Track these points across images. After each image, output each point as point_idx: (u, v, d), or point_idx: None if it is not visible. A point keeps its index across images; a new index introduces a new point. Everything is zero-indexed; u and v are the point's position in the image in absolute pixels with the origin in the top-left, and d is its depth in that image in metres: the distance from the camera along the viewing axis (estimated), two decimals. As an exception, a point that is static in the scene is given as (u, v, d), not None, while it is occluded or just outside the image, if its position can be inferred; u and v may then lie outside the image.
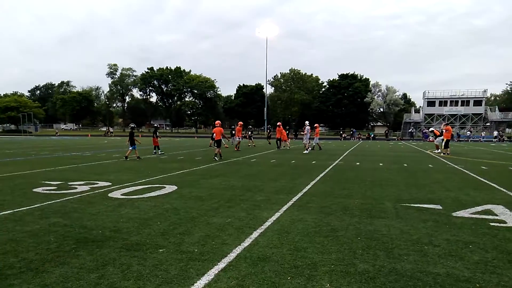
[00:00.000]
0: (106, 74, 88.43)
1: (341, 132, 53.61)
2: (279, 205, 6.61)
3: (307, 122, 21.78)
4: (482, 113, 66.34)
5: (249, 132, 29.77)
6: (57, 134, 60.72)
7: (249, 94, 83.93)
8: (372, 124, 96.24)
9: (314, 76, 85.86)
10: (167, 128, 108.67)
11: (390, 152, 22.03)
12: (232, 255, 4.05)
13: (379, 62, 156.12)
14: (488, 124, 64.57)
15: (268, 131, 36.67)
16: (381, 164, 14.44)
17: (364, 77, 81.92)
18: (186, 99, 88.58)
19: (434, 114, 69.53)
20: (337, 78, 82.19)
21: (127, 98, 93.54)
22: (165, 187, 8.51)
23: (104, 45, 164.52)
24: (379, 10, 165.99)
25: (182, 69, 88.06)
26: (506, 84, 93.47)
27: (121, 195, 7.61)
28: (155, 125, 22.07)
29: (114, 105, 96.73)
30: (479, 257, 3.95)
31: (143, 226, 5.23)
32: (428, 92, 71.65)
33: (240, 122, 25.03)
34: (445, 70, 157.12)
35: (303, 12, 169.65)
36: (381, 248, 4.26)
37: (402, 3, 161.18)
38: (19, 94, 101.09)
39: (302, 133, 21.81)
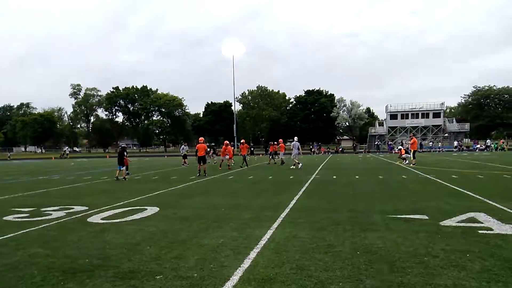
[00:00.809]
0: (69, 95, 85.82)
1: (311, 147, 54.37)
2: (269, 222, 6.51)
3: (295, 138, 21.81)
4: (441, 125, 69.58)
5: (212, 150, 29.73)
6: (10, 158, 57.54)
7: (218, 112, 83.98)
8: (338, 138, 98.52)
9: (281, 92, 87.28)
10: (134, 147, 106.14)
11: (362, 165, 22.53)
12: (234, 278, 3.90)
13: (341, 78, 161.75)
14: (447, 135, 67.82)
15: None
16: (357, 176, 14.70)
17: (329, 93, 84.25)
18: (154, 118, 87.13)
19: (397, 126, 72.18)
20: (303, 94, 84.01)
21: (92, 119, 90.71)
22: (146, 209, 8.19)
23: (65, 65, 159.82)
24: (338, 28, 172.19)
25: (148, 88, 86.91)
26: (461, 96, 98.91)
27: (101, 219, 7.24)
28: (123, 145, 21.24)
29: (79, 126, 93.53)
30: (479, 266, 4.02)
31: (132, 252, 4.96)
32: (390, 106, 74.45)
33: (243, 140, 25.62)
34: (403, 84, 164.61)
35: (267, 30, 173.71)
36: (383, 262, 4.25)
37: (359, 22, 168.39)
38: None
39: (290, 148, 21.64)
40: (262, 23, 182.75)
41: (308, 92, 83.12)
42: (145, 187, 12.83)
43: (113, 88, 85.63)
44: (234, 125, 76.00)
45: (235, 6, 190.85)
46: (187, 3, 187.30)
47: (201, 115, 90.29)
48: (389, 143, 55.04)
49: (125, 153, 17.97)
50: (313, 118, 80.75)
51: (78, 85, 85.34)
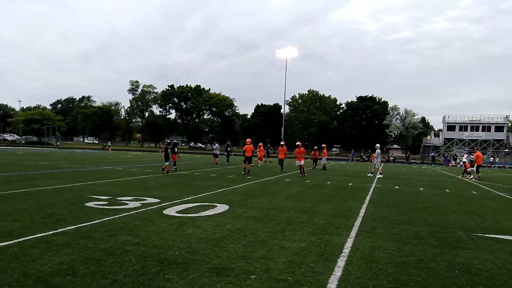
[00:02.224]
0: (128, 90, 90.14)
1: (361, 154, 52.92)
2: (346, 230, 6.35)
3: (378, 145, 20.42)
4: (503, 139, 64.97)
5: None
6: (109, 147, 61.05)
7: (267, 114, 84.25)
8: (387, 146, 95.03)
9: (332, 97, 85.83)
10: (183, 144, 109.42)
11: (422, 176, 21.50)
12: (332, 286, 3.81)
13: (394, 86, 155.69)
14: (509, 150, 63.10)
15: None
16: (421, 188, 14.02)
17: (382, 100, 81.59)
18: (205, 116, 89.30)
19: (454, 138, 68.45)
20: (355, 100, 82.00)
21: (147, 114, 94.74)
22: (216, 206, 8.33)
23: (123, 62, 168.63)
24: (393, 35, 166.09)
25: (201, 87, 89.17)
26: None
27: (176, 212, 7.45)
28: (174, 141, 21.91)
29: (134, 120, 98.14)
30: None
31: (218, 248, 5.04)
32: (448, 117, 70.78)
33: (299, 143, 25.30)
34: (459, 95, 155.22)
35: (319, 35, 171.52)
36: (489, 285, 3.96)
37: (416, 29, 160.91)
38: (42, 107, 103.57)
39: (374, 156, 20.41)
40: (315, 28, 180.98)
41: (360, 98, 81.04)
42: (206, 183, 13.09)
43: (168, 86, 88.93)
44: (283, 128, 76.03)
45: (288, 11, 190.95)
46: (241, 8, 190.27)
47: (249, 116, 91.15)
48: (446, 155, 52.13)
49: (175, 149, 18.47)
50: (364, 124, 78.57)
51: (137, 81, 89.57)
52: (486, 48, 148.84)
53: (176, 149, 18.63)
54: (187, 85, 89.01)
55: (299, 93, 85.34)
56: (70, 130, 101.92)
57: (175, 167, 18.31)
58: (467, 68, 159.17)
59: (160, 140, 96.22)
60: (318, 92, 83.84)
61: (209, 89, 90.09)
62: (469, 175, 21.11)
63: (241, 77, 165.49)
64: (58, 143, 67.78)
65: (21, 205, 7.62)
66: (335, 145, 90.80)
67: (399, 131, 78.30)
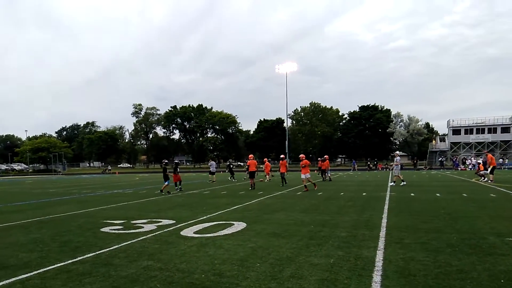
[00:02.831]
0: (131, 114, 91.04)
1: (368, 163, 52.52)
2: (372, 242, 6.12)
3: (397, 152, 19.72)
4: (510, 140, 64.43)
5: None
6: (109, 171, 61.03)
7: (270, 128, 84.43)
8: (391, 154, 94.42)
9: (334, 108, 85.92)
10: (187, 163, 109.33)
11: (435, 182, 21.16)
12: (373, 302, 3.59)
13: (394, 93, 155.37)
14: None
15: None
16: (438, 194, 13.73)
17: (385, 108, 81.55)
18: (208, 135, 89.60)
19: (460, 142, 68.05)
20: (357, 110, 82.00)
21: (151, 136, 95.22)
22: (233, 224, 8.13)
23: (125, 86, 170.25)
24: (390, 44, 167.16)
25: (204, 106, 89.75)
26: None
27: (194, 233, 7.26)
28: (176, 161, 22.06)
29: (139, 142, 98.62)
30: None
31: (244, 269, 4.82)
32: (453, 121, 70.53)
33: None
34: (460, 99, 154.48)
35: (316, 48, 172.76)
36: (540, 292, 3.72)
37: (413, 36, 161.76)
38: (47, 135, 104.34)
39: (394, 164, 19.89)
40: (312, 41, 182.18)
41: (362, 108, 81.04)
42: (218, 201, 12.89)
43: (171, 107, 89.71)
44: (286, 142, 75.94)
45: (285, 26, 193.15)
46: (238, 25, 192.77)
47: (252, 132, 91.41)
48: (455, 159, 51.63)
49: (177, 169, 18.25)
50: (367, 133, 78.31)
51: (140, 104, 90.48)
52: (484, 50, 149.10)
53: (178, 169, 18.42)
54: (189, 105, 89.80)
55: (301, 106, 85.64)
56: (76, 156, 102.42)
57: (180, 187, 18.10)
58: (466, 72, 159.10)
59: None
60: (320, 104, 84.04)
61: (211, 107, 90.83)
62: (482, 178, 20.74)
63: (241, 94, 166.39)
64: (62, 170, 68.13)
65: (37, 234, 7.46)
66: (339, 156, 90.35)
67: (403, 138, 77.96)
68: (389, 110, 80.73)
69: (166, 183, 16.84)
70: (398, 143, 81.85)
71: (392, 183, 18.79)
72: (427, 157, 69.49)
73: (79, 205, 12.72)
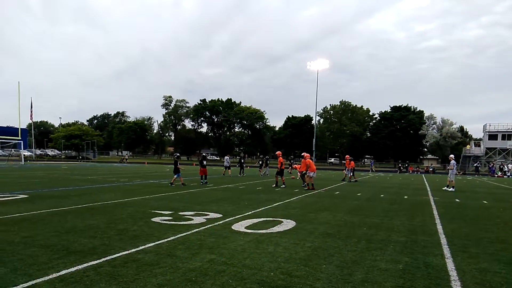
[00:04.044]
0: (161, 105, 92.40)
1: (399, 165, 51.27)
2: (435, 249, 5.88)
3: (451, 156, 18.60)
4: (552, 148, 61.33)
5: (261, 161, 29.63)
6: (126, 160, 62.70)
7: (298, 126, 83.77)
8: (421, 157, 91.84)
9: (365, 108, 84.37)
10: (213, 157, 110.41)
11: (476, 188, 20.34)
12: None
13: (423, 95, 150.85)
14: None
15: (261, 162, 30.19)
16: (485, 201, 13.17)
17: (418, 109, 79.31)
18: (236, 129, 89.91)
19: (496, 148, 65.30)
20: (389, 110, 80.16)
21: (179, 128, 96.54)
22: (282, 222, 8.03)
23: (154, 78, 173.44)
24: (423, 43, 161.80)
25: (233, 101, 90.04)
26: None
27: (245, 228, 7.21)
28: (203, 154, 21.94)
29: (167, 134, 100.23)
30: None
31: (311, 269, 4.71)
32: (490, 125, 67.69)
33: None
34: (495, 102, 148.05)
35: (346, 46, 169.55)
36: None
37: (447, 37, 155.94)
38: (80, 123, 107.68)
39: (447, 168, 18.95)
40: (342, 39, 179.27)
41: (394, 108, 79.12)
42: (257, 197, 12.83)
43: (200, 100, 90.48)
44: (314, 139, 75.27)
45: (315, 23, 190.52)
46: (268, 21, 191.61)
47: (277, 128, 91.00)
48: (491, 165, 49.61)
49: (204, 163, 18.24)
50: (398, 135, 76.42)
51: (170, 96, 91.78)
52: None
53: (204, 163, 18.44)
54: (218, 98, 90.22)
55: (330, 104, 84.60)
56: (106, 144, 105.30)
57: (206, 181, 18.15)
58: (503, 75, 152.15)
59: (192, 153, 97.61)
60: (350, 102, 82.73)
61: (240, 102, 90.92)
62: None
63: (268, 90, 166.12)
64: (92, 157, 70.14)
65: (91, 221, 7.61)
66: (367, 156, 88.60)
67: (436, 141, 75.65)
68: (422, 111, 78.48)
69: (176, 176, 16.99)
70: (428, 145, 79.54)
71: (452, 188, 17.77)
72: (460, 161, 67.12)
73: (122, 194, 12.96)
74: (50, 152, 74.41)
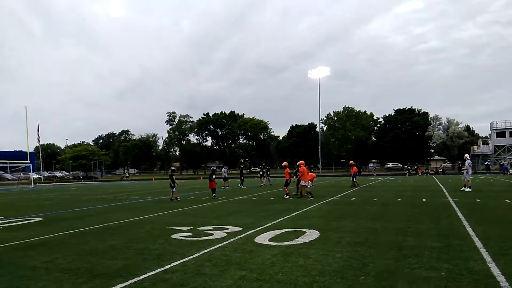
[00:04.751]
0: (166, 121, 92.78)
1: (408, 168, 50.74)
2: (473, 253, 5.61)
3: (467, 155, 18.36)
4: (560, 143, 60.63)
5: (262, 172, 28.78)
6: (127, 178, 62.81)
7: (302, 134, 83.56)
8: (428, 158, 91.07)
9: (368, 112, 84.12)
10: (218, 169, 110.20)
11: (494, 187, 19.96)
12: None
13: (425, 96, 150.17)
14: None
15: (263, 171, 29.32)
16: (507, 200, 12.83)
17: (422, 111, 78.92)
18: (240, 141, 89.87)
19: (505, 145, 64.76)
20: (393, 113, 79.86)
21: (184, 143, 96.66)
22: (305, 232, 7.78)
23: (156, 96, 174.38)
24: (421, 45, 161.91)
25: (236, 113, 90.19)
26: None
27: (269, 241, 6.98)
28: (213, 168, 21.77)
29: (173, 149, 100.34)
30: None
31: (350, 282, 4.47)
32: (497, 123, 67.31)
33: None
34: (499, 100, 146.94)
35: (345, 53, 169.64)
36: None
37: (445, 37, 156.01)
38: (85, 143, 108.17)
39: (463, 169, 19.06)
40: (341, 47, 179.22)
41: (398, 111, 78.81)
42: (273, 208, 12.59)
43: (204, 114, 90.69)
44: (319, 147, 74.98)
45: (313, 33, 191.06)
46: (266, 34, 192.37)
47: (280, 138, 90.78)
48: (502, 163, 49.01)
49: (213, 176, 17.89)
50: (404, 137, 75.87)
51: (173, 112, 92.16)
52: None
53: (213, 176, 18.05)
54: (221, 111, 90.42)
55: (334, 111, 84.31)
56: (113, 163, 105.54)
57: (214, 195, 17.64)
58: (503, 72, 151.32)
59: (198, 167, 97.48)
60: (353, 108, 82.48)
61: (243, 114, 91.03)
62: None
63: (270, 101, 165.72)
64: (100, 176, 70.26)
65: (112, 241, 7.42)
66: (372, 160, 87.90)
67: (442, 142, 75.06)
68: (427, 113, 78.07)
69: (173, 189, 16.80)
70: (435, 146, 78.93)
71: (469, 188, 17.38)
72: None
73: (136, 212, 12.77)
74: (58, 173, 74.68)
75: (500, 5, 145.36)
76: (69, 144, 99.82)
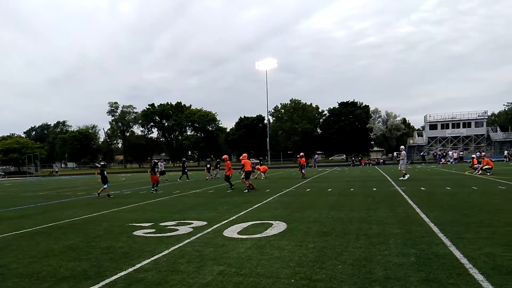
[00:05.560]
0: (107, 112, 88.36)
1: (352, 158, 53.21)
2: (433, 238, 5.98)
3: (402, 147, 19.85)
4: (484, 134, 66.95)
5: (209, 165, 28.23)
6: (56, 173, 59.00)
7: (251, 126, 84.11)
8: (369, 150, 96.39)
9: (314, 105, 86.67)
10: (164, 162, 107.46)
11: (433, 176, 21.54)
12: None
13: (365, 90, 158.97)
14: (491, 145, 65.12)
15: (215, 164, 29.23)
16: (448, 188, 13.89)
17: (363, 104, 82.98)
18: (188, 133, 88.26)
19: (437, 137, 70.08)
20: (337, 106, 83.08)
21: (127, 135, 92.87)
22: (272, 224, 7.81)
23: (94, 85, 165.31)
24: (361, 41, 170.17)
25: (182, 104, 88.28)
26: (504, 104, 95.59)
27: (238, 234, 6.91)
28: (154, 160, 21.46)
29: (115, 142, 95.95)
30: None
31: (329, 271, 4.54)
32: (429, 116, 72.49)
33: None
34: (431, 94, 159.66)
35: (289, 45, 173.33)
36: None
37: (382, 34, 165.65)
38: (16, 135, 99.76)
39: (398, 159, 20.01)
40: (284, 39, 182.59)
41: (342, 104, 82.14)
42: (233, 200, 12.51)
43: (148, 105, 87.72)
44: (268, 139, 75.96)
45: (257, 24, 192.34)
46: (209, 24, 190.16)
47: (228, 130, 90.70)
48: (436, 153, 53.13)
49: (155, 170, 17.50)
50: (347, 130, 79.42)
51: (116, 103, 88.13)
52: (449, 48, 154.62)
53: (156, 170, 17.62)
54: (167, 102, 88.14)
55: (281, 103, 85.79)
56: (48, 157, 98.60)
57: (155, 189, 17.06)
58: (434, 68, 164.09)
59: (143, 160, 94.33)
60: (300, 100, 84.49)
61: (190, 105, 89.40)
62: (475, 171, 21.34)
63: (216, 92, 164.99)
64: (34, 171, 65.19)
65: (67, 241, 6.89)
66: (317, 152, 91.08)
67: (382, 133, 79.65)
68: (368, 106, 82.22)
69: (106, 185, 15.52)
70: (375, 138, 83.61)
71: (402, 177, 18.62)
72: (406, 151, 71.20)
73: (87, 208, 12.00)
74: (-16, 169, 68.04)
75: (431, 4, 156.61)
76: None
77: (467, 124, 68.67)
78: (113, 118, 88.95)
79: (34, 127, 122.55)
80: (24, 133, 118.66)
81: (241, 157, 16.86)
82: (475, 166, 21.74)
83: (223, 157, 18.04)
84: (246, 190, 15.45)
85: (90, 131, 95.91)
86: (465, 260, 4.75)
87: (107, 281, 4.49)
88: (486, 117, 68.76)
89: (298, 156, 24.98)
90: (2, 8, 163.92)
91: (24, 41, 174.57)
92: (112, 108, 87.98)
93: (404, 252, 5.26)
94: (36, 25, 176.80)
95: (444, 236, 6.09)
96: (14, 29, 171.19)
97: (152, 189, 17.07)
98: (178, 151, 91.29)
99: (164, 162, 28.24)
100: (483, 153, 26.70)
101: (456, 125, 69.62)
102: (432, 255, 5.05)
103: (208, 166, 28.25)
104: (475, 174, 20.69)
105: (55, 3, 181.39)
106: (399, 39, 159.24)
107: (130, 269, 4.93)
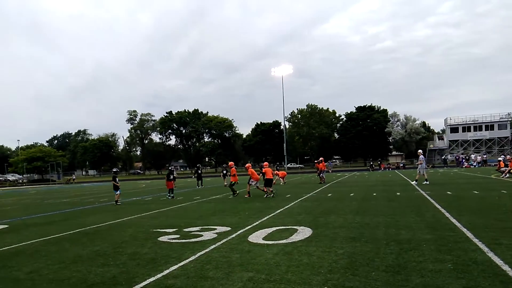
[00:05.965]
0: (126, 120, 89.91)
1: (371, 163, 52.36)
2: (469, 244, 5.74)
3: (420, 151, 19.06)
4: (508, 136, 65.05)
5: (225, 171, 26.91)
6: (72, 181, 60.15)
7: (267, 132, 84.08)
8: (388, 154, 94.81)
9: (331, 110, 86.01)
10: (182, 169, 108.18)
11: (457, 180, 20.98)
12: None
13: (383, 94, 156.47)
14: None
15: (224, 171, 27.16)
16: (475, 192, 13.46)
17: (381, 108, 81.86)
18: (205, 139, 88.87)
19: (458, 140, 68.49)
20: (354, 111, 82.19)
21: (146, 142, 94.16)
22: (297, 229, 7.68)
23: (114, 94, 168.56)
24: (377, 45, 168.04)
25: (199, 111, 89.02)
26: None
27: (263, 239, 6.82)
28: (170, 167, 21.35)
29: (134, 149, 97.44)
30: None
31: (362, 278, 4.40)
32: (450, 119, 70.96)
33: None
34: (450, 97, 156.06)
35: (303, 51, 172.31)
36: None
37: (398, 38, 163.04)
38: (39, 144, 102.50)
39: (417, 163, 19.54)
40: (299, 45, 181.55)
41: (359, 108, 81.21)
42: (254, 206, 12.41)
43: (166, 112, 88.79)
44: (285, 144, 75.68)
45: (271, 30, 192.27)
46: (224, 32, 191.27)
47: (244, 136, 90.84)
48: (458, 157, 51.85)
49: (171, 176, 17.40)
50: (365, 134, 78.40)
51: (134, 111, 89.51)
52: (468, 50, 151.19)
53: (171, 176, 17.58)
54: (185, 110, 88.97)
55: (297, 109, 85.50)
56: (70, 164, 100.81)
57: (172, 195, 17.13)
58: (452, 71, 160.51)
59: (162, 167, 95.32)
60: (316, 105, 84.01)
61: (207, 112, 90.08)
62: (503, 174, 20.67)
63: (232, 99, 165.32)
64: (57, 179, 66.61)
65: (94, 247, 6.93)
66: (335, 157, 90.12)
67: (401, 137, 78.29)
68: (386, 110, 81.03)
69: (118, 192, 15.56)
70: (394, 142, 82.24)
71: (415, 181, 18.44)
72: (426, 155, 69.75)
73: (111, 215, 12.13)
74: (10, 177, 69.99)
75: (448, 6, 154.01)
76: (21, 146, 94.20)
77: (489, 126, 66.89)
78: (132, 126, 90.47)
79: (56, 136, 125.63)
80: (47, 141, 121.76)
81: (263, 164, 16.85)
82: (502, 169, 21.04)
83: (229, 164, 18.02)
84: (272, 196, 15.35)
85: (110, 139, 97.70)
86: (507, 267, 4.53)
87: (137, 287, 4.46)
88: (510, 119, 66.66)
89: (316, 161, 24.72)
90: (27, 23, 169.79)
91: (45, 53, 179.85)
92: (131, 116, 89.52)
93: (439, 258, 5.06)
94: (56, 38, 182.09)
95: (479, 242, 5.85)
96: (37, 43, 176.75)
97: (168, 195, 17.10)
98: (196, 158, 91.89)
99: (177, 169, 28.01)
100: (508, 156, 25.84)
101: (478, 127, 67.90)
102: (470, 262, 4.84)
103: (225, 172, 28.18)
104: (502, 177, 20.02)
105: (76, 15, 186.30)
106: (415, 42, 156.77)
107: (159, 275, 4.89)
